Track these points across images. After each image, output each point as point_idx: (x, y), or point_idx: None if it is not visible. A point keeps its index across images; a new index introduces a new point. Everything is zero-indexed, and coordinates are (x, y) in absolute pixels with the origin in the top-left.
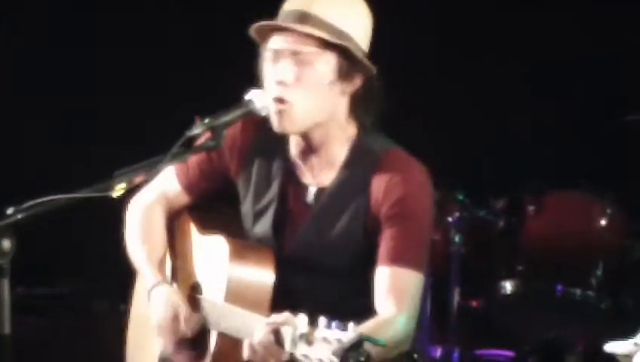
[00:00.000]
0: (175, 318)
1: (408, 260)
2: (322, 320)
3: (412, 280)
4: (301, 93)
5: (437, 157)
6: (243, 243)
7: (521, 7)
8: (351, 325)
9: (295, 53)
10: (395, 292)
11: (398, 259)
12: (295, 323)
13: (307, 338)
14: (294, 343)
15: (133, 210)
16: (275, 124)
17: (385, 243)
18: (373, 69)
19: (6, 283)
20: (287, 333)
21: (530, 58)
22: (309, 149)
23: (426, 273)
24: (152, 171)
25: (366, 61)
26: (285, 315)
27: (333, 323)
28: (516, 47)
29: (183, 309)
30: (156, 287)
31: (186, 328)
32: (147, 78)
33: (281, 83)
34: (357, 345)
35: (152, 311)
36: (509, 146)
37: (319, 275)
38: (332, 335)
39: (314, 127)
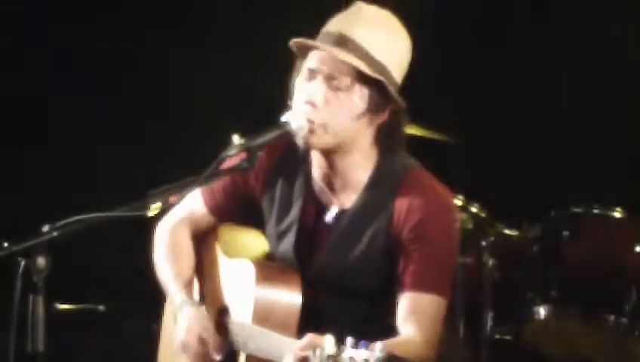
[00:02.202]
0: (202, 342)
1: (429, 285)
2: (349, 341)
3: (433, 304)
4: (329, 116)
5: (472, 181)
6: (269, 265)
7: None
8: (378, 345)
9: (329, 78)
10: (415, 317)
11: (418, 284)
12: (322, 344)
13: (334, 359)
14: None
15: (161, 232)
16: (300, 139)
17: (405, 267)
18: (403, 105)
19: (41, 300)
20: (314, 354)
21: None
22: (332, 173)
23: (448, 296)
24: (187, 191)
25: (398, 97)
26: (311, 338)
27: (361, 343)
28: (557, 71)
29: (211, 334)
30: (184, 308)
31: (213, 354)
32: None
33: (310, 103)
34: None
35: (178, 332)
36: (545, 171)
37: (342, 296)
38: (359, 356)
39: (337, 149)
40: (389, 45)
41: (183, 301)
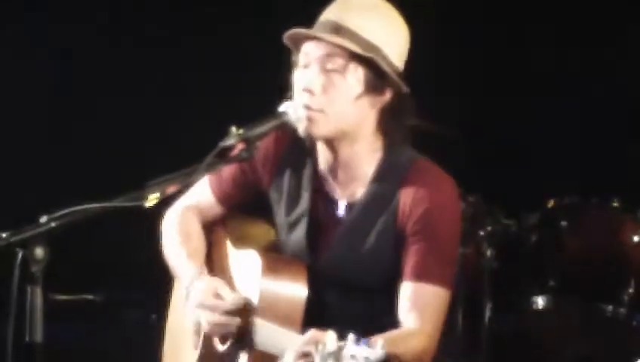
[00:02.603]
0: (217, 295)
1: (433, 276)
2: (351, 337)
3: (436, 295)
4: (327, 102)
5: (470, 171)
6: (276, 258)
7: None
8: (380, 342)
9: (323, 63)
10: (417, 308)
11: (422, 274)
12: (324, 340)
13: (335, 356)
14: (323, 361)
15: (170, 219)
16: (302, 129)
17: (410, 258)
18: (402, 84)
19: (39, 290)
20: (316, 350)
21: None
22: (337, 163)
23: (451, 287)
24: (185, 181)
25: (394, 76)
26: (313, 334)
27: (362, 340)
28: (553, 63)
29: (224, 287)
30: (196, 281)
31: (228, 305)
32: (181, 86)
33: (308, 91)
34: None
35: (189, 309)
36: (543, 160)
37: (350, 290)
38: (360, 353)
39: (340, 137)
40: (380, 27)
41: (195, 274)
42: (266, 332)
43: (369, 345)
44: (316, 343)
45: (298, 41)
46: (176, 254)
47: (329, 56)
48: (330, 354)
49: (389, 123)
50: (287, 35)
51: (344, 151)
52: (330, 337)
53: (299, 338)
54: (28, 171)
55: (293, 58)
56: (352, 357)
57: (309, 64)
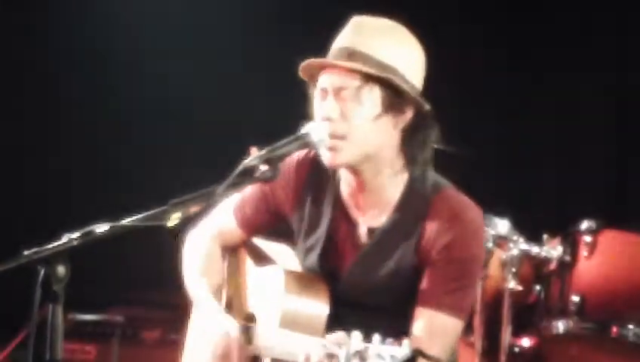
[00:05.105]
0: (226, 356)
1: (448, 306)
2: (376, 337)
3: (449, 325)
4: (348, 128)
5: (492, 193)
6: (298, 274)
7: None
8: (405, 341)
9: (339, 90)
10: (430, 336)
11: (438, 303)
12: (349, 340)
13: (361, 355)
14: (348, 360)
15: (192, 245)
16: (327, 158)
17: (427, 285)
18: (421, 102)
19: (60, 309)
20: (340, 349)
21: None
22: (361, 188)
23: (465, 317)
24: (208, 201)
25: (412, 93)
26: (338, 335)
27: (387, 339)
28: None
29: (236, 346)
30: (220, 315)
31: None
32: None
33: (328, 119)
34: (410, 360)
35: (208, 340)
36: (564, 184)
37: (367, 311)
38: (386, 351)
39: (364, 162)
40: (393, 47)
41: (218, 309)
42: (289, 342)
43: (395, 344)
44: (340, 343)
45: (313, 73)
46: (196, 285)
47: (343, 82)
48: (356, 353)
49: (411, 142)
50: (302, 68)
51: (369, 177)
52: (355, 336)
53: (322, 341)
54: (50, 189)
55: (310, 90)
56: (378, 355)
57: (326, 94)
